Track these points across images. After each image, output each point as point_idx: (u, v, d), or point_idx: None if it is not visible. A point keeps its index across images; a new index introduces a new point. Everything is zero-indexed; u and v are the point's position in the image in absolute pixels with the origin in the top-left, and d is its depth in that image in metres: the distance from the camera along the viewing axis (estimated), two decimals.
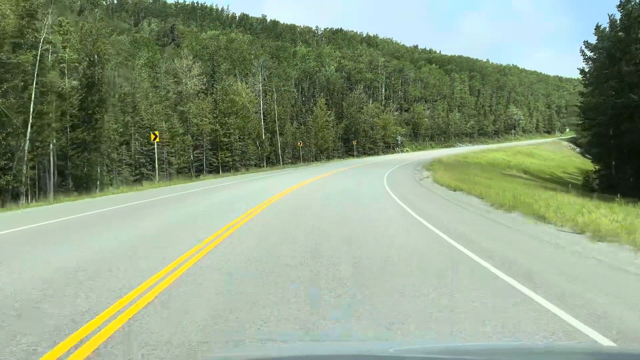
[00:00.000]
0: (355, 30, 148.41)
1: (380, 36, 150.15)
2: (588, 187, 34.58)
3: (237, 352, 2.66)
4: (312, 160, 61.33)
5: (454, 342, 3.18)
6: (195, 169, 48.24)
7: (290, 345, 2.65)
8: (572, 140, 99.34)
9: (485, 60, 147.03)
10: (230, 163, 50.02)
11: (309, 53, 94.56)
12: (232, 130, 50.15)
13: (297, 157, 61.40)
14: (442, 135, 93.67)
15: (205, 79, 55.91)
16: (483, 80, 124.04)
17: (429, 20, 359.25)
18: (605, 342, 3.40)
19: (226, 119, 49.58)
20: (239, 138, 51.50)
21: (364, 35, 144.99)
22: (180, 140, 46.21)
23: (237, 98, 52.51)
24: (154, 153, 31.90)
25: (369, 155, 71.73)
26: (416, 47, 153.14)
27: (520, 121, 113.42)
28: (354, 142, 67.62)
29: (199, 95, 52.89)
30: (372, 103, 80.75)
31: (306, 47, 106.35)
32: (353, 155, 67.27)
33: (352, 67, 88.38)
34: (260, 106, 56.36)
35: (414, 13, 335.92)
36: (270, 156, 57.83)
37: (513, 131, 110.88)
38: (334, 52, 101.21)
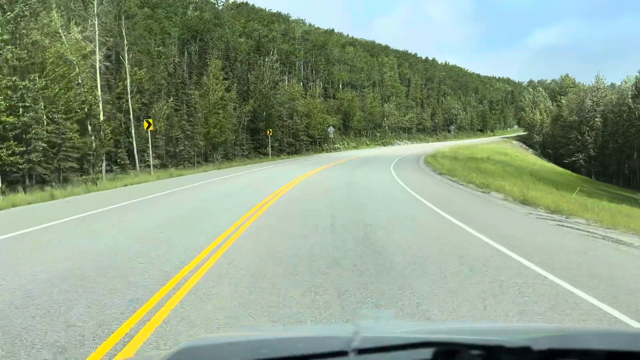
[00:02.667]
0: (264, 8, 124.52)
1: (293, 16, 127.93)
2: None
3: (220, 335, 2.79)
4: (198, 163, 37.09)
5: (426, 322, 3.34)
6: None
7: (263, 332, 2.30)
8: (521, 140, 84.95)
9: (410, 52, 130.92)
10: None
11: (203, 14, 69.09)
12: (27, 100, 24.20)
13: (173, 156, 36.87)
14: (376, 130, 73.40)
15: None
16: (412, 69, 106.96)
17: (343, 20, 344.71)
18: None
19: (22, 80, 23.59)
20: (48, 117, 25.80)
21: (274, 12, 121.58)
22: None
23: (48, 42, 26.70)
24: None
25: (289, 154, 48.76)
26: (332, 30, 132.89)
27: (458, 116, 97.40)
28: (268, 132, 43.96)
29: None
30: (288, 79, 57.75)
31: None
32: (267, 155, 44.03)
33: (263, 34, 64.71)
34: (96, 65, 30.53)
35: (328, 13, 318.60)
36: (119, 155, 32.56)
37: (452, 127, 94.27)
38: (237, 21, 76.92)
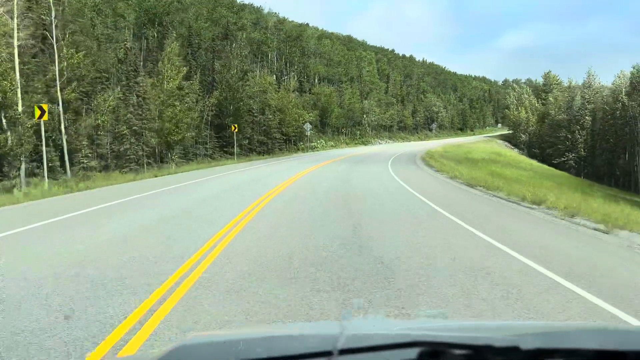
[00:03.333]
0: None
1: (266, 9, 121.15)
2: None
3: (220, 332, 2.79)
4: (149, 165, 30.83)
5: (414, 320, 3.04)
6: None
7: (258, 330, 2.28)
8: (505, 139, 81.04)
9: (388, 48, 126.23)
10: None
11: None
12: None
13: (119, 156, 30.57)
14: (356, 128, 68.03)
15: None
16: (390, 65, 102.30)
17: (318, 19, 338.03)
18: None
19: None
20: None
21: (246, 2, 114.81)
22: None
23: None
24: None
25: (261, 153, 42.82)
26: (307, 24, 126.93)
27: (439, 114, 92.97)
28: (233, 127, 37.69)
29: None
30: (260, 71, 51.65)
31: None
32: (232, 155, 38.00)
33: (232, 20, 58.34)
34: (14, 43, 23.97)
35: (302, 11, 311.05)
36: (51, 155, 26.09)
37: (434, 125, 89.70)
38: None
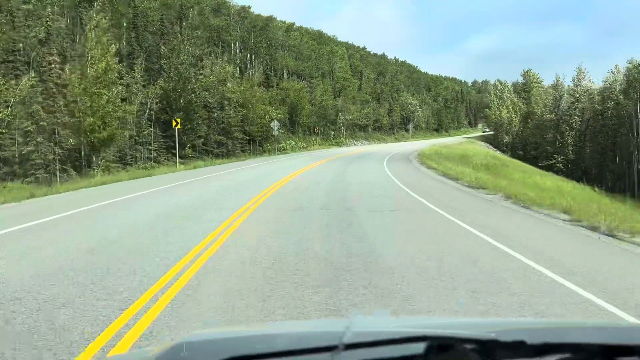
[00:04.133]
0: None
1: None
2: None
3: (214, 330, 2.79)
4: (65, 172, 23.25)
5: (420, 317, 3.31)
6: None
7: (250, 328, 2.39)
8: (486, 140, 76.20)
9: (359, 46, 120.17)
10: None
11: None
12: None
13: (23, 161, 22.97)
14: (329, 127, 61.44)
15: None
16: (363, 62, 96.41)
17: (286, 17, 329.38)
18: None
19: None
20: None
21: None
22: None
23: None
24: None
25: (218, 156, 35.59)
26: (274, 17, 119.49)
27: (416, 113, 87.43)
28: (174, 122, 29.47)
29: None
30: (220, 61, 44.22)
31: None
32: (185, 157, 30.69)
33: (189, 4, 50.63)
34: None
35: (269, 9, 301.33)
36: None
37: (410, 125, 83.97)
38: None
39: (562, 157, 60.43)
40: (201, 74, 35.45)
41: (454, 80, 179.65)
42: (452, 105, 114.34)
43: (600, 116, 57.76)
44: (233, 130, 37.82)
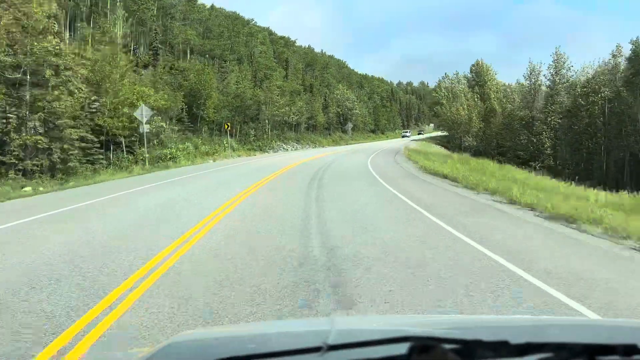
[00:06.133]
0: None
1: None
2: None
3: (204, 330, 2.72)
4: None
5: (404, 316, 3.20)
6: None
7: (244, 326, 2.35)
8: (439, 143, 63.23)
9: (283, 35, 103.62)
10: None
11: None
12: None
13: None
14: (249, 125, 44.40)
15: None
16: (289, 49, 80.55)
17: None
18: None
19: None
20: None
21: None
22: None
23: None
24: None
25: (29, 176, 17.78)
26: None
27: (355, 110, 72.62)
28: None
29: None
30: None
31: None
32: None
33: None
34: None
35: None
36: None
37: (349, 125, 68.71)
38: None
39: (538, 163, 48.33)
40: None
41: (382, 80, 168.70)
42: (388, 104, 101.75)
43: (585, 112, 46.35)
44: (63, 126, 20.00)
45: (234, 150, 36.78)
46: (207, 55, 48.24)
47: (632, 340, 0.97)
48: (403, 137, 73.81)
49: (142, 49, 39.61)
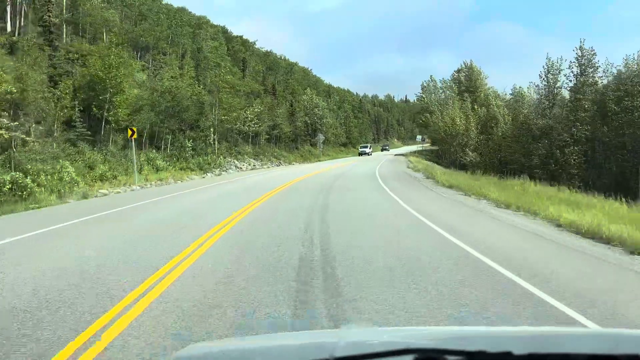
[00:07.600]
0: None
1: None
2: None
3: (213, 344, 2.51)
4: None
5: (409, 328, 3.18)
6: None
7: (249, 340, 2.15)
8: (426, 157, 52.28)
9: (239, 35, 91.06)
10: None
11: None
12: None
13: None
14: (187, 135, 31.80)
15: None
16: (247, 49, 68.56)
17: None
18: None
19: None
20: None
21: None
22: None
23: None
24: None
25: None
26: None
27: (325, 119, 60.68)
28: None
29: None
30: None
31: None
32: None
33: None
34: None
35: None
36: None
37: (320, 137, 56.61)
38: None
39: (568, 183, 38.02)
40: None
41: (348, 91, 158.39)
42: (360, 115, 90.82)
43: (617, 115, 36.58)
44: None
45: (158, 172, 24.16)
46: (140, 49, 35.40)
47: (635, 351, 0.95)
48: (361, 154, 60.70)
49: (18, 22, 26.74)
